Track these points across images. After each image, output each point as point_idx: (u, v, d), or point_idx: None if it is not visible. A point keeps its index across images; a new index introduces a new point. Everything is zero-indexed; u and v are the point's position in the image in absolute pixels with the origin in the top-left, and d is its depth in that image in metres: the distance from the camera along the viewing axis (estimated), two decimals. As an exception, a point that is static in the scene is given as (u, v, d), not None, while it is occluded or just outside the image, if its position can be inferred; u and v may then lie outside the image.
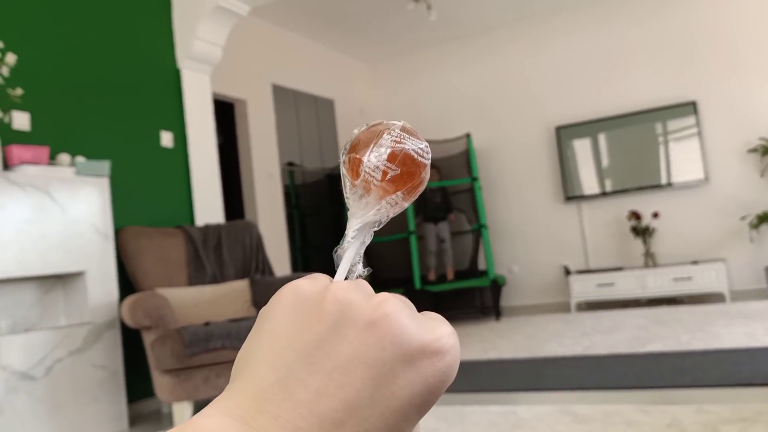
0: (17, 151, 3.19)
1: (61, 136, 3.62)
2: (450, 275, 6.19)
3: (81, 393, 3.21)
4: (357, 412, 0.24)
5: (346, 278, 0.30)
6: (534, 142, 6.98)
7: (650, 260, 6.19)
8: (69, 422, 3.12)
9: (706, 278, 5.77)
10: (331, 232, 6.88)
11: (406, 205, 0.33)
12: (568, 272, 6.42)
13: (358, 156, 0.32)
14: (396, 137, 0.32)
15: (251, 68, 5.91)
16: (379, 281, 6.63)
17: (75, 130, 3.72)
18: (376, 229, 0.33)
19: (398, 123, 0.33)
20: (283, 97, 6.32)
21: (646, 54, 6.46)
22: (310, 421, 0.24)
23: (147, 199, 4.07)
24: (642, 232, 6.21)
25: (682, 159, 6.26)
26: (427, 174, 0.33)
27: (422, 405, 0.26)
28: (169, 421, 3.42)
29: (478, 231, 6.38)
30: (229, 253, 4.08)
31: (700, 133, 6.18)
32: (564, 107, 6.82)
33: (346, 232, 0.32)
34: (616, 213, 6.55)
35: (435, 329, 0.27)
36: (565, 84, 6.84)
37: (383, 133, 0.32)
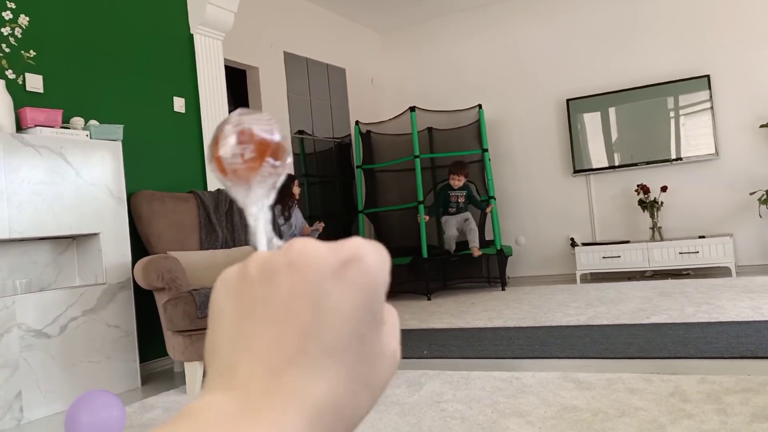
0: (31, 114, 3.22)
1: (74, 100, 3.64)
2: (475, 253, 6.00)
3: (95, 351, 3.28)
4: (311, 335, 0.27)
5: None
6: (544, 115, 6.96)
7: (657, 234, 6.21)
8: (83, 380, 3.20)
9: (713, 252, 5.78)
10: (341, 200, 6.91)
11: (287, 164, 0.36)
12: (574, 244, 6.44)
13: (216, 155, 0.35)
14: (235, 123, 0.35)
15: (263, 35, 5.89)
16: (389, 251, 6.62)
17: (88, 94, 3.74)
18: (269, 201, 0.36)
19: (235, 112, 0.36)
20: (295, 64, 6.30)
21: (659, 26, 6.39)
22: (276, 360, 0.27)
23: (159, 163, 4.11)
24: (650, 205, 6.21)
25: (693, 134, 6.23)
26: (279, 133, 0.36)
27: (367, 306, 0.29)
28: (182, 379, 3.50)
29: (487, 202, 6.39)
30: (240, 218, 4.12)
31: (712, 108, 6.13)
32: (575, 80, 6.78)
33: (248, 221, 0.35)
34: (624, 186, 6.55)
35: (346, 244, 0.29)
36: (576, 56, 6.78)
37: (224, 127, 0.35)
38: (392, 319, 0.32)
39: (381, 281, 0.29)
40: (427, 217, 6.09)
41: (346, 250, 0.29)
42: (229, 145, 0.34)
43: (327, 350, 0.27)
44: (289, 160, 0.36)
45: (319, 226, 5.06)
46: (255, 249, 0.34)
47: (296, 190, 4.96)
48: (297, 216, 4.96)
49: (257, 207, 0.35)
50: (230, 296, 0.30)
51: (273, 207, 0.37)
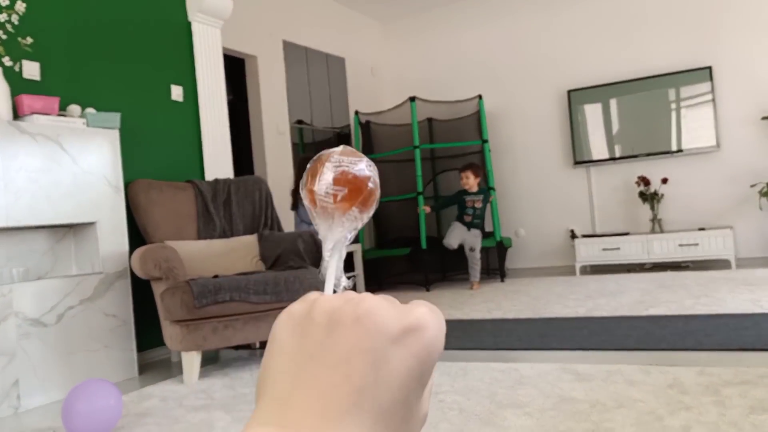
0: (27, 101, 3.19)
1: (71, 87, 3.62)
2: (475, 287, 5.72)
3: (92, 340, 3.27)
4: (367, 393, 0.29)
5: (334, 292, 0.35)
6: (545, 106, 6.93)
7: (657, 226, 6.19)
8: (80, 368, 3.19)
9: (713, 245, 5.77)
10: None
11: (366, 217, 0.38)
12: (574, 236, 6.43)
13: (311, 188, 0.37)
14: (336, 162, 0.37)
15: (262, 24, 5.85)
16: (388, 242, 6.66)
17: (85, 82, 3.71)
18: (347, 243, 0.38)
19: (337, 149, 0.38)
20: (294, 54, 6.27)
21: (661, 17, 6.35)
22: (330, 407, 0.28)
23: (157, 152, 4.08)
24: (650, 197, 6.20)
25: (694, 126, 6.20)
26: (373, 184, 0.38)
27: (419, 375, 0.30)
28: (179, 369, 3.50)
29: (487, 193, 6.38)
30: (238, 208, 4.10)
31: (713, 100, 6.10)
32: (576, 71, 6.75)
33: (323, 253, 0.37)
34: (624, 178, 6.53)
35: (412, 311, 0.31)
36: (578, 47, 6.74)
37: (325, 162, 0.37)
38: (431, 383, 0.33)
39: (436, 354, 0.31)
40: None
41: (412, 318, 0.31)
42: (324, 183, 0.36)
43: (379, 410, 0.29)
44: (375, 208, 0.38)
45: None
46: (322, 280, 0.36)
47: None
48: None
49: (334, 244, 0.37)
50: (294, 333, 0.31)
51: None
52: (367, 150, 6.74)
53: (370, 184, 0.37)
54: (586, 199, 6.73)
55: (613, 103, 6.55)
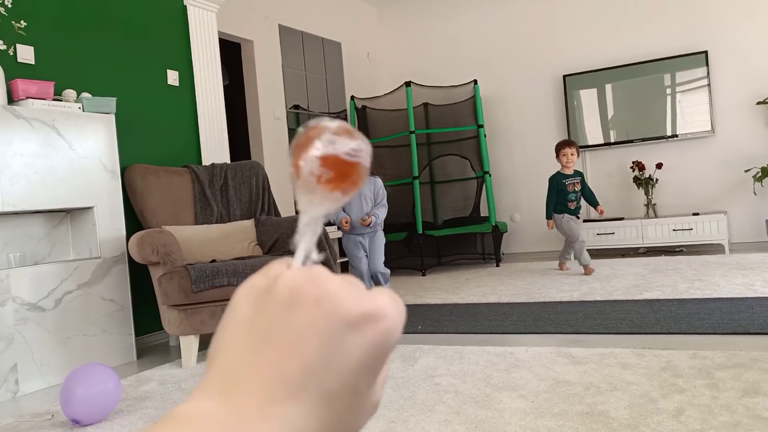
0: (22, 85, 3.18)
1: (66, 72, 3.60)
2: (588, 272, 5.04)
3: (90, 325, 3.28)
4: (316, 374, 0.28)
5: (304, 264, 0.34)
6: (540, 91, 6.92)
7: (651, 211, 6.22)
8: (78, 353, 3.21)
9: (707, 229, 5.80)
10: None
11: (348, 198, 0.36)
12: (569, 221, 6.44)
13: (296, 161, 0.35)
14: (328, 141, 0.35)
15: (258, 8, 5.81)
16: (384, 227, 6.65)
17: (80, 66, 3.69)
18: (324, 221, 0.36)
19: (332, 125, 0.35)
20: (290, 38, 6.24)
21: (657, 2, 6.33)
22: (276, 384, 0.28)
23: (153, 137, 4.07)
24: (644, 182, 6.22)
25: (690, 111, 6.21)
26: (362, 170, 0.36)
27: (373, 363, 0.30)
28: (177, 353, 3.52)
29: (482, 178, 6.39)
30: (235, 193, 4.11)
31: (709, 85, 6.11)
32: (572, 56, 6.74)
33: (298, 225, 0.35)
34: (619, 163, 6.55)
35: (374, 299, 0.31)
36: (573, 32, 6.73)
37: (316, 138, 0.35)
38: (385, 372, 0.33)
39: (392, 344, 0.31)
40: (550, 225, 5.29)
41: (372, 306, 0.30)
42: (310, 161, 0.34)
43: (324, 394, 0.29)
44: (351, 195, 0.36)
45: (368, 219, 4.37)
46: (293, 252, 0.34)
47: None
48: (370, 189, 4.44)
49: (311, 219, 0.35)
50: (252, 307, 0.31)
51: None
52: (363, 135, 6.73)
53: (359, 171, 0.35)
54: (582, 184, 6.74)
55: (608, 88, 6.55)
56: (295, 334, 0.29)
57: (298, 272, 0.31)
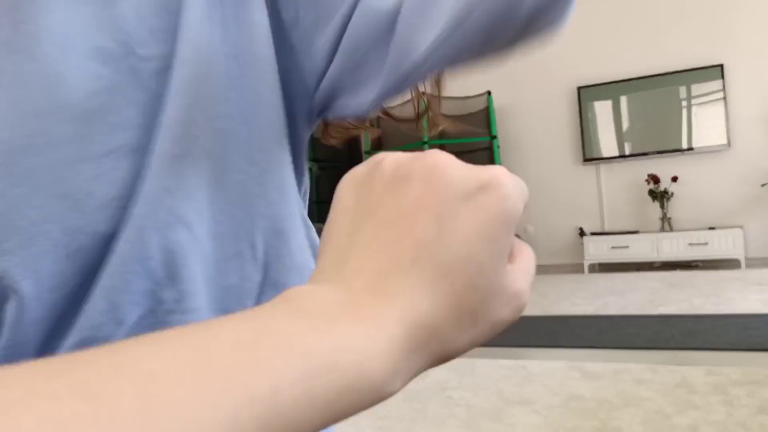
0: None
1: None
2: None
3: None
4: (427, 247, 0.27)
5: None
6: (555, 102, 6.91)
7: (667, 224, 6.17)
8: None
9: (723, 244, 5.74)
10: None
11: None
12: (582, 234, 6.41)
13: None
14: None
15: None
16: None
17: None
18: None
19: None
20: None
21: (673, 14, 6.31)
22: (387, 262, 0.27)
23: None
24: (660, 195, 6.18)
25: (706, 124, 6.17)
26: None
27: (488, 233, 0.27)
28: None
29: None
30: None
31: (725, 98, 6.07)
32: (586, 67, 6.72)
33: None
34: (634, 176, 6.51)
35: (489, 170, 0.29)
36: (588, 43, 6.72)
37: None
38: (525, 260, 0.31)
39: (512, 213, 0.28)
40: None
41: (486, 174, 0.28)
42: None
43: (440, 268, 0.27)
44: None
45: None
46: None
47: None
48: None
49: None
50: (355, 192, 0.30)
51: None
52: (377, 145, 6.75)
53: None
54: (596, 196, 6.71)
55: (623, 100, 6.53)
56: (404, 210, 0.28)
57: (401, 153, 0.30)
